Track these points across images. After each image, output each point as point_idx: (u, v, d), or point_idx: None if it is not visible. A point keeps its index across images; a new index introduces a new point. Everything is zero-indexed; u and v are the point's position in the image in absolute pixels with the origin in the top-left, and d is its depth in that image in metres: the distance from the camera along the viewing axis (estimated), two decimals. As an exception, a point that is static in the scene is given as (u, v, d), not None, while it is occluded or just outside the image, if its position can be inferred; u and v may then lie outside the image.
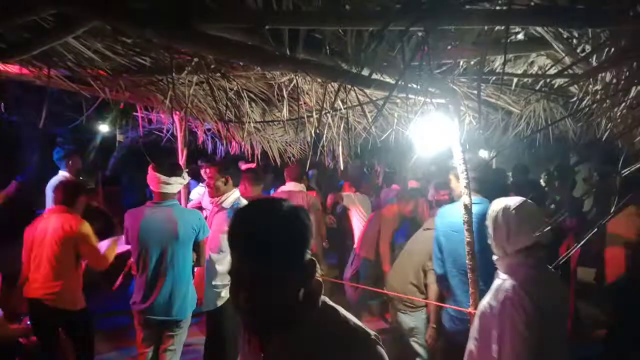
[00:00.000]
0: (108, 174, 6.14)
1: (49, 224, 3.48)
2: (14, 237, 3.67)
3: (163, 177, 3.30)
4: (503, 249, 2.09)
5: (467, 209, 2.72)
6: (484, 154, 7.16)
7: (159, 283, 3.28)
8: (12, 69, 2.60)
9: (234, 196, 3.76)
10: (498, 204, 2.17)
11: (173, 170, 3.36)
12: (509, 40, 2.05)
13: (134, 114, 4.03)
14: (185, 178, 3.48)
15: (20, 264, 3.57)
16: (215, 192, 3.74)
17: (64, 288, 3.45)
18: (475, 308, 2.79)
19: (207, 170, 3.80)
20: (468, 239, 2.73)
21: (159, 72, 2.66)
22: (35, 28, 1.92)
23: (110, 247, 3.64)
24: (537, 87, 2.95)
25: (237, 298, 1.16)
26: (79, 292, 3.58)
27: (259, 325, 1.19)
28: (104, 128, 6.17)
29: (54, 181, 4.48)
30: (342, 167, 5.66)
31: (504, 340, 1.90)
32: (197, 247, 3.48)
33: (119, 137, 5.89)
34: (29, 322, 3.60)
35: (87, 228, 3.52)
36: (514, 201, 2.12)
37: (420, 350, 3.90)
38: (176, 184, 3.38)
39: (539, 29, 1.77)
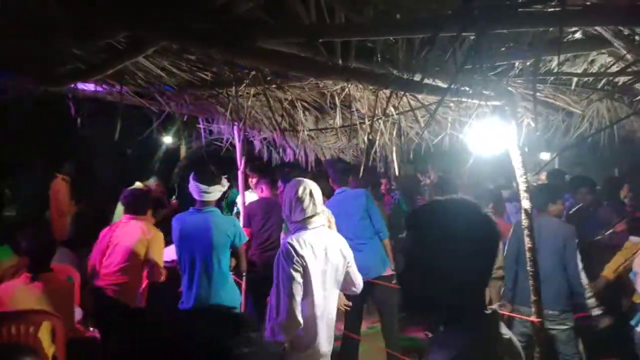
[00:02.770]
0: (172, 185, 6.45)
1: (128, 228, 3.71)
2: (91, 243, 3.94)
3: (203, 187, 3.44)
4: (289, 217, 2.75)
5: (527, 213, 2.65)
6: (545, 156, 6.88)
7: (194, 287, 3.40)
8: (88, 87, 2.85)
9: None
10: (289, 185, 2.79)
11: (213, 179, 3.49)
12: (566, 40, 2.01)
13: (197, 125, 4.25)
14: (225, 184, 3.59)
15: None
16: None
17: (128, 283, 3.65)
18: (539, 316, 2.71)
19: (253, 179, 3.87)
20: (529, 245, 2.66)
21: (220, 85, 2.82)
22: (111, 50, 2.11)
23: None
24: (600, 86, 2.83)
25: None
26: (139, 292, 3.79)
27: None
28: (168, 140, 6.49)
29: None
30: (396, 173, 5.64)
31: (278, 279, 2.60)
32: (236, 253, 3.58)
33: (183, 149, 6.18)
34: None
35: (160, 239, 3.73)
36: (300, 183, 2.74)
37: None
38: (216, 192, 3.52)
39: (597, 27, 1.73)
